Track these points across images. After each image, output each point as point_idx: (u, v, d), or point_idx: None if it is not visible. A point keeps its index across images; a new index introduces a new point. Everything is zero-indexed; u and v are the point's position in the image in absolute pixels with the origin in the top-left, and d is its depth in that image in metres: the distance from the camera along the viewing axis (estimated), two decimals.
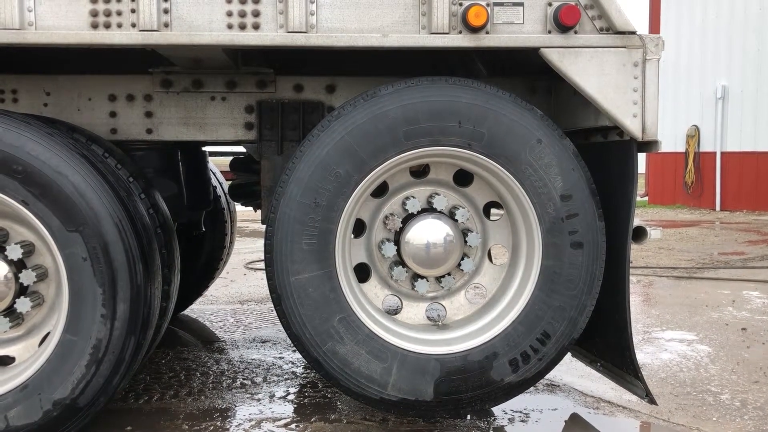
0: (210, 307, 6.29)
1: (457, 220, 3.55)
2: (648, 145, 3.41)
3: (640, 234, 3.45)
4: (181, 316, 5.95)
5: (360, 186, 3.31)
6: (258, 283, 7.50)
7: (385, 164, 3.31)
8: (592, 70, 3.33)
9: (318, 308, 3.31)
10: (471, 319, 3.62)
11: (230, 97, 4.03)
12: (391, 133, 3.28)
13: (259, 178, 4.71)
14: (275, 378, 4.37)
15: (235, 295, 6.87)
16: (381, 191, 3.59)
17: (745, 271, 8.84)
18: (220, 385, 4.23)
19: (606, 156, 3.59)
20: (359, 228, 3.64)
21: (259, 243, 9.26)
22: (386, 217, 3.65)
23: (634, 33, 3.36)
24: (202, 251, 5.55)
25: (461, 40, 3.29)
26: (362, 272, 3.66)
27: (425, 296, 3.68)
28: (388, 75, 3.98)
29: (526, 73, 4.08)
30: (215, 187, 5.46)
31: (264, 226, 3.43)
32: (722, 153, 18.38)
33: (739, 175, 18.00)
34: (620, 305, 3.41)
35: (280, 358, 4.80)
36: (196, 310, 6.03)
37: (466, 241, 3.55)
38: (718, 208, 18.11)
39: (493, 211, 3.85)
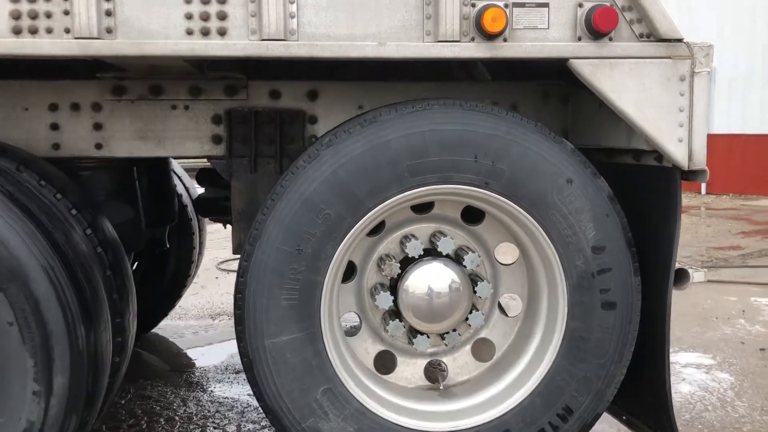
0: (178, 324, 5.70)
1: (465, 266, 2.99)
2: (693, 174, 2.85)
3: (680, 277, 2.90)
4: (148, 335, 5.35)
5: (353, 230, 2.73)
6: (231, 290, 6.75)
7: (384, 204, 2.73)
8: (630, 86, 2.75)
9: (298, 377, 2.74)
10: (479, 384, 3.08)
11: (194, 106, 3.39)
12: (393, 168, 2.69)
13: (228, 193, 4.13)
14: (251, 426, 3.83)
15: (206, 307, 6.27)
16: (376, 229, 3.01)
17: (747, 271, 8.46)
18: None
19: (638, 182, 3.03)
20: (348, 270, 3.06)
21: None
22: (381, 259, 3.08)
23: (680, 41, 2.78)
24: (167, 269, 4.94)
25: (474, 50, 2.69)
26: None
27: (424, 353, 3.13)
28: (378, 79, 3.39)
29: (536, 77, 3.49)
30: (180, 195, 4.83)
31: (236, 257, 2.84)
32: (708, 135, 17.91)
33: (726, 159, 17.61)
34: (658, 361, 2.87)
35: None
36: (163, 326, 5.43)
37: (475, 291, 2.99)
38: (703, 192, 17.74)
39: (502, 250, 3.28)
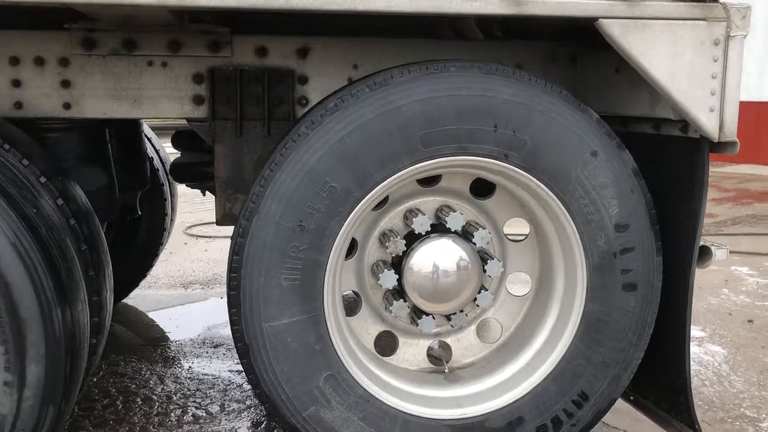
0: (149, 293, 5.40)
1: (474, 243, 2.78)
2: (722, 146, 2.65)
3: (701, 255, 2.73)
4: (117, 306, 5.05)
5: (360, 205, 2.49)
6: (201, 257, 6.60)
7: (394, 177, 2.48)
8: (661, 50, 2.52)
9: (299, 364, 2.52)
10: (486, 368, 2.89)
11: (173, 63, 3.07)
12: (405, 137, 2.44)
13: (209, 158, 3.83)
14: (235, 405, 3.60)
15: (177, 275, 5.97)
16: (378, 203, 2.77)
17: (722, 239, 8.45)
18: (167, 418, 3.43)
19: (657, 154, 2.84)
20: (348, 246, 2.83)
21: (201, 204, 8.26)
22: (383, 235, 2.85)
23: (716, 1, 2.56)
24: (137, 237, 4.62)
25: (498, 6, 2.42)
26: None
27: (429, 334, 2.93)
28: (370, 35, 3.11)
29: (539, 37, 3.25)
30: (151, 158, 4.50)
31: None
32: None
33: None
34: (678, 342, 2.72)
35: (238, 372, 4.00)
36: (133, 295, 5.13)
37: (484, 270, 2.78)
38: None
39: (510, 227, 3.08)
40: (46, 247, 2.32)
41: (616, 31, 2.50)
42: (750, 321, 5.18)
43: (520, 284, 3.29)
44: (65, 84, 3.00)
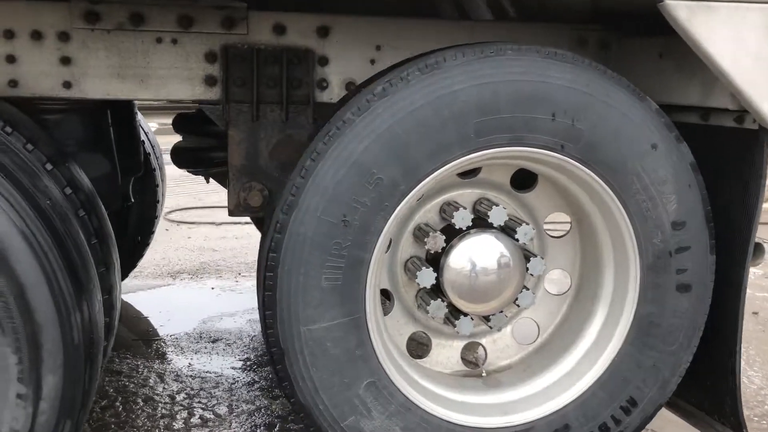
0: (135, 284, 5.11)
1: (517, 239, 2.60)
2: None
3: (754, 252, 2.60)
4: None
5: (407, 198, 2.29)
6: (185, 244, 6.30)
7: (444, 169, 2.29)
8: (726, 35, 2.36)
9: (339, 370, 2.32)
10: (527, 371, 2.73)
11: (184, 40, 2.81)
12: (458, 126, 2.25)
13: (213, 142, 3.58)
14: (244, 406, 3.38)
15: (163, 264, 5.68)
16: None
17: None
18: (173, 421, 3.20)
19: (704, 145, 2.68)
20: None
21: (177, 187, 7.90)
22: (419, 229, 2.66)
23: None
24: (128, 225, 4.33)
25: None
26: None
27: (465, 336, 2.75)
28: (392, 14, 2.92)
29: (563, 19, 3.08)
30: (143, 141, 4.22)
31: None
32: None
33: None
34: (728, 343, 2.58)
35: (242, 369, 3.79)
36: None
37: (527, 268, 2.62)
38: None
39: (550, 222, 2.91)
40: (62, 243, 2.07)
41: (682, 14, 2.33)
42: (755, 313, 5.14)
43: (554, 282, 3.13)
44: (65, 61, 2.72)
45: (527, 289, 2.67)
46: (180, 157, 3.66)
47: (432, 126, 2.22)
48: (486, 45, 2.31)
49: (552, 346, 2.77)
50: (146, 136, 4.50)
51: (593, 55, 3.16)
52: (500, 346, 2.85)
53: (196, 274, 5.46)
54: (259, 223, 4.91)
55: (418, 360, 2.76)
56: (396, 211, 2.28)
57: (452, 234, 2.59)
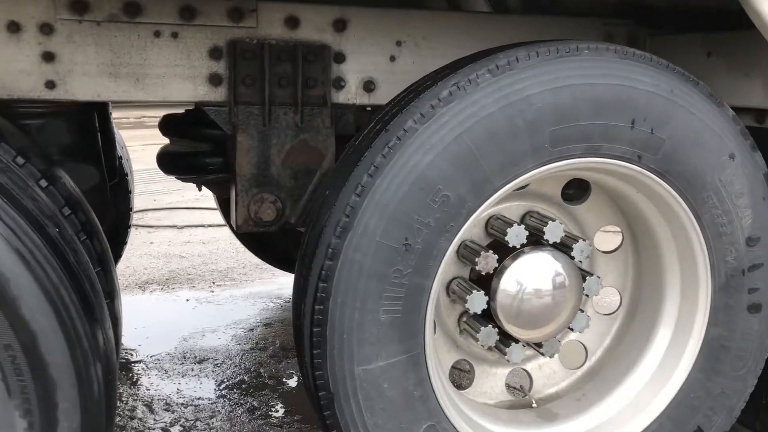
0: None
1: (572, 257, 2.36)
2: None
3: None
4: None
5: (472, 218, 2.01)
6: (149, 250, 5.83)
7: (513, 183, 2.02)
8: None
9: (396, 414, 2.02)
10: (582, 400, 2.50)
11: (186, 34, 2.45)
12: (533, 135, 1.98)
13: (207, 146, 3.20)
14: None
15: (129, 274, 5.22)
16: None
17: None
18: None
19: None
20: None
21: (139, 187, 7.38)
22: (464, 246, 2.38)
23: None
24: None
25: None
26: None
27: (515, 363, 2.50)
28: (408, 6, 2.66)
29: (588, 13, 2.88)
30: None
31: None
32: None
33: None
34: None
35: (238, 393, 3.44)
36: None
37: (582, 288, 2.38)
38: None
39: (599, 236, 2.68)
40: (76, 279, 1.71)
41: (765, 7, 2.13)
42: None
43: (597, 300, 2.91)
44: (48, 57, 2.33)
45: (582, 311, 2.43)
46: (169, 163, 3.26)
47: (504, 135, 1.95)
48: (559, 43, 2.05)
49: (606, 372, 2.54)
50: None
51: None
52: (546, 372, 2.61)
53: (167, 284, 5.03)
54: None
55: (463, 391, 2.49)
56: (461, 233, 2.00)
57: (502, 252, 2.33)
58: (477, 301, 2.26)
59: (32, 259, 1.59)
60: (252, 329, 4.27)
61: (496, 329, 2.34)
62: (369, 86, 2.70)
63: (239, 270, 5.40)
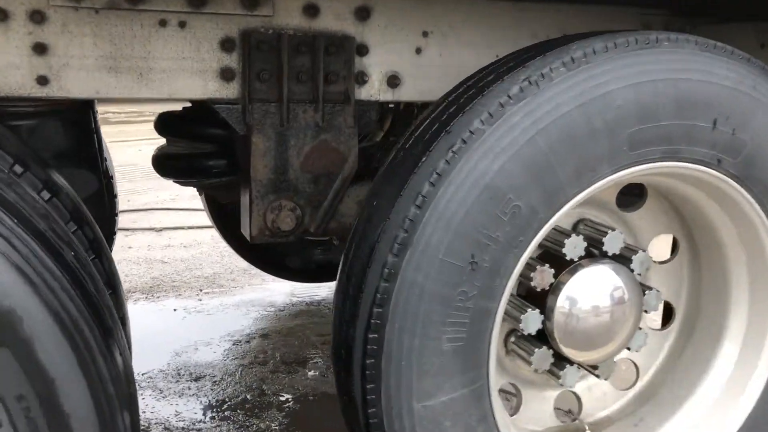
0: None
1: (632, 270, 2.15)
2: None
3: None
4: None
5: (542, 231, 1.78)
6: (127, 255, 5.48)
7: (586, 192, 1.80)
8: None
9: None
10: (641, 426, 2.29)
11: (195, 23, 2.17)
12: (611, 137, 1.75)
13: (210, 147, 2.92)
14: None
15: None
16: None
17: None
18: None
19: None
20: None
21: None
22: None
23: None
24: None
25: None
26: None
27: (570, 387, 2.28)
28: None
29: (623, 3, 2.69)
30: None
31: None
32: None
33: None
34: None
35: (243, 414, 3.16)
36: None
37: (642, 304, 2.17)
38: None
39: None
40: (98, 312, 1.43)
41: None
42: None
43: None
44: (40, 49, 2.03)
45: (640, 328, 2.22)
46: (168, 165, 2.96)
47: (581, 137, 1.72)
48: (632, 33, 1.82)
49: (663, 395, 2.34)
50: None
51: None
52: (596, 394, 2.40)
53: (151, 292, 4.71)
54: (225, 227, 4.27)
55: (511, 417, 2.26)
56: (530, 248, 1.76)
57: (555, 265, 2.10)
58: (532, 321, 2.03)
59: (49, 291, 1.31)
60: (248, 341, 3.99)
61: (551, 351, 2.12)
62: (394, 81, 2.46)
63: (227, 276, 5.10)
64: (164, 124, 2.97)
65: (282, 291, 4.80)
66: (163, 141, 3.08)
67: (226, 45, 2.21)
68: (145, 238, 6.00)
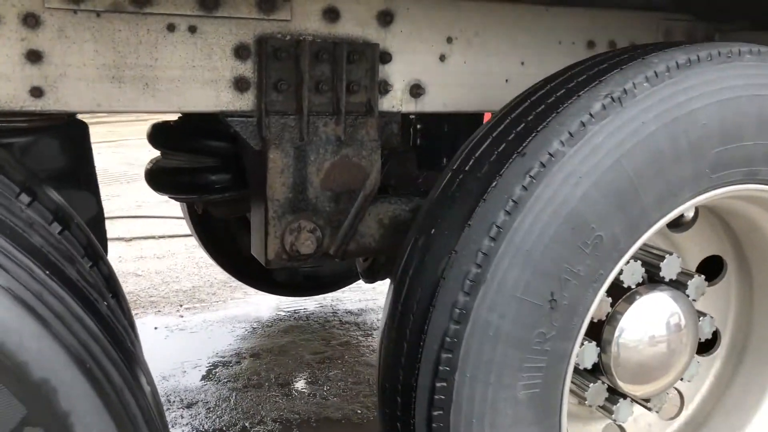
0: None
1: (687, 296, 2.01)
2: None
3: None
4: None
5: (620, 263, 1.61)
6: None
7: (667, 218, 1.64)
8: None
9: None
10: None
11: (206, 27, 1.94)
12: (696, 158, 1.60)
13: (211, 161, 2.68)
14: None
15: None
16: None
17: None
18: None
19: None
20: None
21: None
22: None
23: None
24: None
25: None
26: None
27: (603, 416, 2.12)
28: None
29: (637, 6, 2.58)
30: None
31: None
32: None
33: None
34: None
35: None
36: None
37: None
38: None
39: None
40: (131, 368, 1.20)
41: None
42: None
43: None
44: (34, 57, 1.78)
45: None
46: (165, 181, 2.70)
47: (666, 159, 1.56)
48: (711, 45, 1.67)
49: (715, 426, 2.20)
50: None
51: None
52: (641, 425, 2.26)
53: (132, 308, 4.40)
54: (206, 237, 4.01)
55: None
56: (608, 281, 1.60)
57: (611, 293, 1.94)
58: (588, 355, 1.87)
59: (74, 341, 1.08)
60: (239, 362, 3.75)
61: (605, 385, 1.96)
62: (417, 91, 2.28)
63: (207, 289, 4.83)
64: (161, 135, 2.71)
65: (267, 305, 4.56)
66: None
67: (240, 52, 1.99)
68: (115, 249, 5.67)
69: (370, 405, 3.36)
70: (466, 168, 1.65)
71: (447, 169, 1.74)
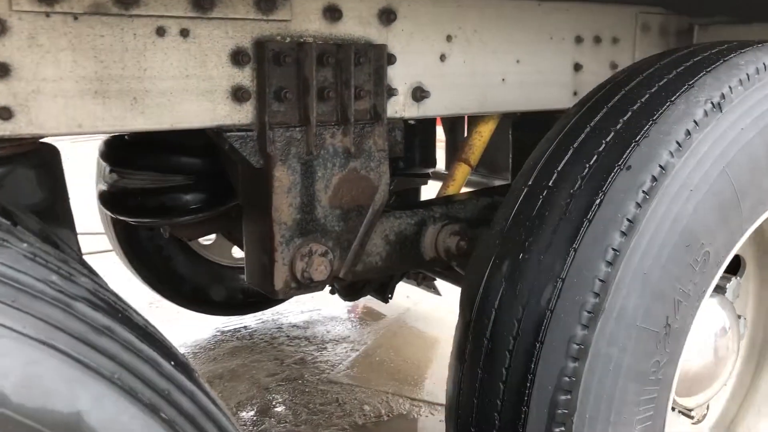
0: None
1: (727, 298, 1.97)
2: None
3: None
4: None
5: (717, 276, 1.52)
6: None
7: (752, 227, 1.56)
8: None
9: None
10: None
11: (199, 30, 1.65)
12: None
13: (181, 180, 2.36)
14: None
15: None
16: None
17: None
18: None
19: None
20: None
21: None
22: None
23: None
24: None
25: None
26: None
27: None
28: None
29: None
30: None
31: None
32: None
33: None
34: None
35: None
36: None
37: None
38: None
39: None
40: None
41: None
42: None
43: None
44: (1, 71, 1.44)
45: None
46: (127, 204, 2.33)
47: (762, 167, 1.47)
48: None
49: (747, 424, 2.18)
50: None
51: (653, 45, 2.68)
52: None
53: None
54: (132, 254, 3.64)
55: None
56: (706, 297, 1.50)
57: None
58: None
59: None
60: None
61: None
62: (419, 94, 2.10)
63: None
64: (118, 153, 2.34)
65: (204, 326, 4.21)
66: None
67: (238, 57, 1.72)
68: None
69: (347, 427, 3.15)
70: (550, 183, 1.49)
71: (517, 185, 1.57)
